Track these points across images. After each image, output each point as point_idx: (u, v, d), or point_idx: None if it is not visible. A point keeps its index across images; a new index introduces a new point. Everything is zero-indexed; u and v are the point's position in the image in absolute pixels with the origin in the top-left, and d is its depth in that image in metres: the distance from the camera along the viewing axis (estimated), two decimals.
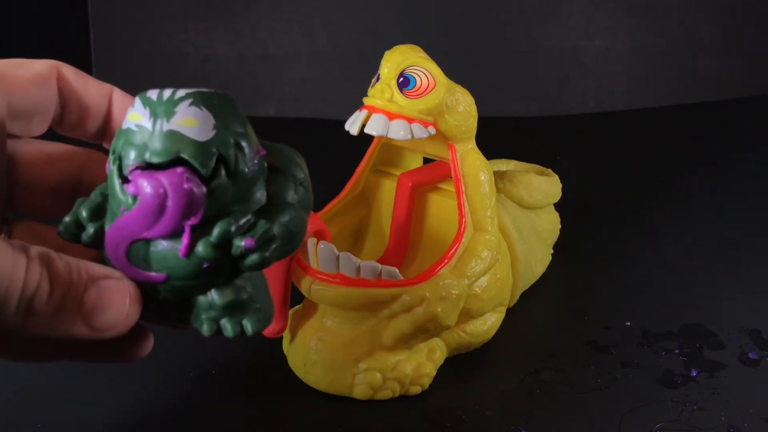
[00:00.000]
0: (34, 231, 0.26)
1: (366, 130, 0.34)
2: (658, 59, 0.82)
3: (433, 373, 0.35)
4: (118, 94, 0.26)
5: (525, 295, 0.42)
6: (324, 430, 0.32)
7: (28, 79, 0.24)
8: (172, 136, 0.21)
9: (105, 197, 0.22)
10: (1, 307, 0.19)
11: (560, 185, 0.46)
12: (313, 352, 0.34)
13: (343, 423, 0.33)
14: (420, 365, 0.34)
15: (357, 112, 0.35)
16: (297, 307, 0.37)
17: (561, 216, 0.47)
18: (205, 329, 0.23)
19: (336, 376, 0.34)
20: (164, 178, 0.20)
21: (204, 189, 0.21)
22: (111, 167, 0.21)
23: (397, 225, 0.40)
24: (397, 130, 0.34)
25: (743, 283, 0.44)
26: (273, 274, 0.34)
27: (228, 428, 0.33)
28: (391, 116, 0.34)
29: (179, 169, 0.21)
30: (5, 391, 0.35)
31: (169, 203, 0.20)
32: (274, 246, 0.21)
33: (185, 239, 0.21)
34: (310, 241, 0.34)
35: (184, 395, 0.35)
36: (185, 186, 0.20)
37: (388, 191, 0.41)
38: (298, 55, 0.80)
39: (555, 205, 0.47)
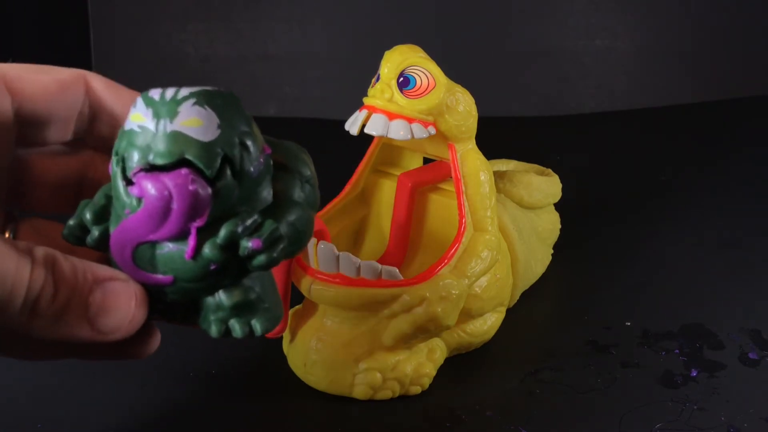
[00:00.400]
0: (40, 229, 0.26)
1: (366, 130, 0.34)
2: (658, 59, 0.82)
3: (433, 373, 0.35)
4: None
5: (525, 295, 0.42)
6: (324, 430, 0.32)
7: (45, 84, 0.23)
8: (176, 136, 0.20)
9: (109, 199, 0.22)
10: (5, 309, 0.19)
11: (560, 185, 0.46)
12: (313, 352, 0.34)
13: (343, 423, 0.33)
14: (420, 365, 0.34)
15: (357, 112, 0.35)
16: (297, 307, 0.37)
17: (561, 216, 0.47)
18: (214, 330, 0.22)
19: (336, 376, 0.34)
20: (169, 180, 0.20)
21: (209, 190, 0.20)
22: (114, 169, 0.21)
23: (397, 225, 0.40)
24: (397, 130, 0.34)
25: (743, 283, 0.44)
26: (273, 274, 0.34)
27: (228, 428, 0.33)
28: (391, 116, 0.34)
29: (184, 171, 0.20)
30: (5, 391, 0.35)
31: (175, 205, 0.20)
32: (281, 246, 0.21)
33: (191, 241, 0.21)
34: (310, 241, 0.34)
35: (184, 395, 0.35)
36: (190, 187, 0.20)
37: (388, 191, 0.41)
38: (298, 55, 0.80)
39: (555, 205, 0.47)
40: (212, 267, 0.21)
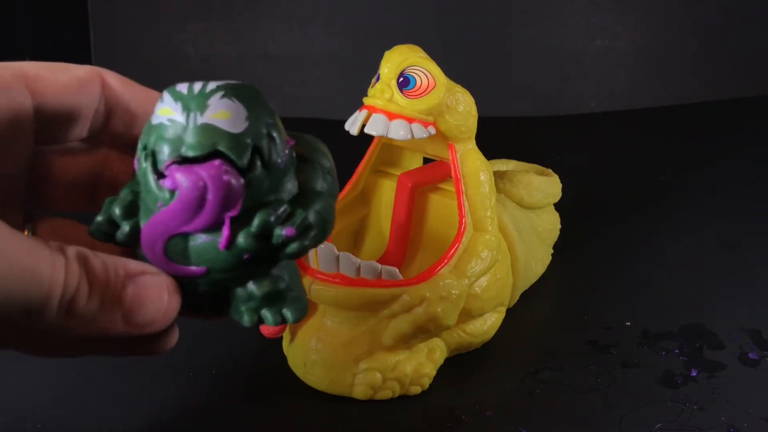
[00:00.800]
0: (56, 228, 0.25)
1: (366, 130, 0.34)
2: (658, 59, 0.82)
3: (433, 373, 0.35)
4: None
5: (525, 295, 0.42)
6: (324, 430, 0.32)
7: (64, 83, 0.23)
8: (207, 129, 0.21)
9: (136, 194, 0.22)
10: (42, 310, 0.19)
11: (560, 185, 0.46)
12: (313, 352, 0.34)
13: (343, 423, 0.33)
14: (420, 365, 0.34)
15: (357, 112, 0.35)
16: None
17: (561, 216, 0.47)
18: (246, 320, 0.23)
19: (336, 376, 0.34)
20: (203, 171, 0.20)
21: (242, 180, 0.21)
22: (143, 164, 0.21)
23: (397, 225, 0.40)
24: (397, 130, 0.34)
25: (743, 283, 0.44)
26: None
27: (228, 428, 0.33)
28: (391, 116, 0.34)
29: (217, 162, 0.21)
30: (5, 391, 0.35)
31: (210, 196, 0.20)
32: (312, 234, 0.22)
33: (225, 231, 0.21)
34: None
35: (184, 395, 0.35)
36: (224, 178, 0.20)
37: (388, 191, 0.41)
38: (298, 55, 0.80)
39: (555, 205, 0.47)
40: (245, 256, 0.21)
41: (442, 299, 0.33)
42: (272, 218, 0.21)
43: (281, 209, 0.21)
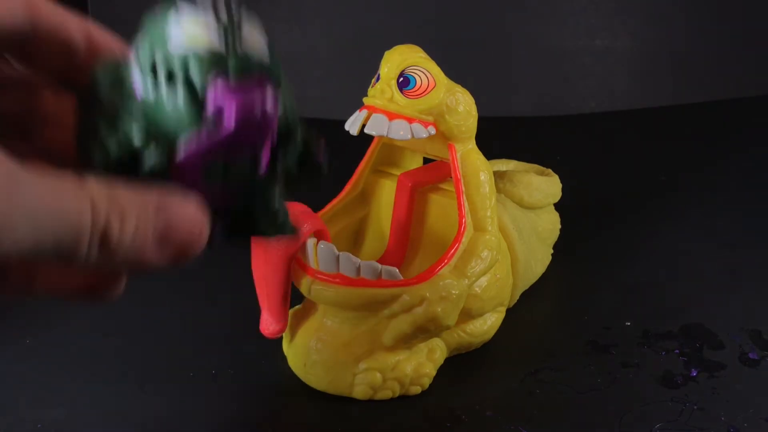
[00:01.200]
0: None
1: (366, 130, 0.34)
2: (658, 59, 0.82)
3: (433, 373, 0.35)
4: (97, 30, 0.24)
5: (525, 295, 0.42)
6: (324, 430, 0.32)
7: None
8: (250, 56, 0.21)
9: (146, 123, 0.21)
10: (75, 249, 0.18)
11: (560, 185, 0.46)
12: (313, 352, 0.34)
13: (343, 423, 0.33)
14: (420, 365, 0.34)
15: (357, 112, 0.35)
16: (297, 307, 0.37)
17: (561, 216, 0.47)
18: (272, 233, 0.24)
19: (336, 376, 0.34)
20: (256, 93, 0.21)
21: (279, 106, 0.22)
22: (163, 89, 0.21)
23: (397, 225, 0.40)
24: (398, 130, 0.34)
25: (743, 283, 0.44)
26: (273, 274, 0.34)
27: (228, 428, 0.33)
28: (391, 116, 0.34)
29: (268, 86, 0.21)
30: (6, 392, 0.35)
31: (260, 117, 0.21)
32: None
33: (267, 153, 0.22)
34: (310, 241, 0.34)
35: (184, 395, 0.35)
36: (274, 100, 0.21)
37: (388, 191, 0.41)
38: (298, 55, 0.80)
39: (555, 205, 0.47)
40: (280, 177, 0.22)
41: (442, 299, 0.33)
42: (301, 143, 0.23)
43: (299, 135, 0.23)
